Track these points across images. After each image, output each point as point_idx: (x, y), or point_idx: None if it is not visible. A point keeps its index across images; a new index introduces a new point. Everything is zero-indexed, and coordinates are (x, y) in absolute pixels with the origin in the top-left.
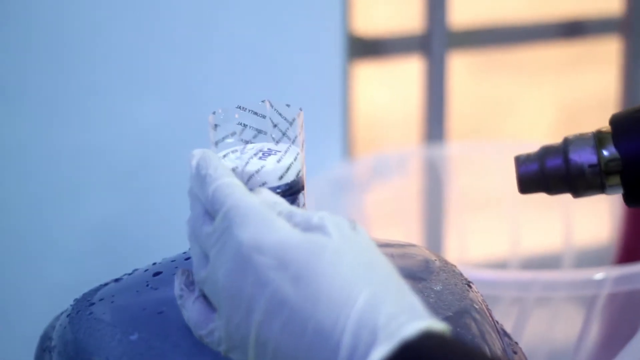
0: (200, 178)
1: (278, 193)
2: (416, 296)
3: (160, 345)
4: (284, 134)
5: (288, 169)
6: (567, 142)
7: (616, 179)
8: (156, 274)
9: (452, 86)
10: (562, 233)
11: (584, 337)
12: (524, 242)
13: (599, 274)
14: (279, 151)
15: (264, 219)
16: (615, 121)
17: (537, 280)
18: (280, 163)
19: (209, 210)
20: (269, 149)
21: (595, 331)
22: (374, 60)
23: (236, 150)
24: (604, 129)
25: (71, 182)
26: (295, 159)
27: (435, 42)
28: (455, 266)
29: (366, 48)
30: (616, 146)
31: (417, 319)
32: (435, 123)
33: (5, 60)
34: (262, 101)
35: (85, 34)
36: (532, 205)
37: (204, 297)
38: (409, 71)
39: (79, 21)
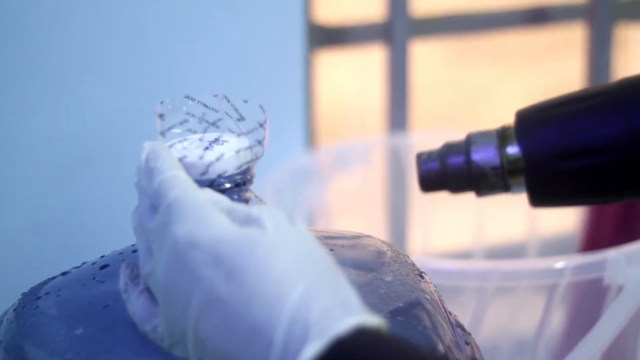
0: (148, 171)
1: (235, 181)
2: (353, 291)
3: (106, 339)
4: (237, 126)
5: (244, 157)
6: (469, 139)
7: (520, 179)
8: (103, 267)
9: (422, 74)
10: (527, 222)
11: (543, 327)
12: (489, 232)
13: (559, 263)
14: (227, 141)
15: (202, 214)
16: (519, 117)
17: (496, 269)
18: (238, 152)
19: (154, 203)
20: (216, 138)
21: (559, 321)
22: (337, 48)
23: (184, 140)
24: (508, 125)
25: (20, 172)
26: (248, 148)
27: (397, 30)
28: (407, 257)
29: (329, 36)
30: (519, 144)
31: (350, 314)
32: (398, 112)
33: None
34: (215, 95)
35: (38, 18)
36: (497, 196)
37: (149, 291)
38: (372, 60)
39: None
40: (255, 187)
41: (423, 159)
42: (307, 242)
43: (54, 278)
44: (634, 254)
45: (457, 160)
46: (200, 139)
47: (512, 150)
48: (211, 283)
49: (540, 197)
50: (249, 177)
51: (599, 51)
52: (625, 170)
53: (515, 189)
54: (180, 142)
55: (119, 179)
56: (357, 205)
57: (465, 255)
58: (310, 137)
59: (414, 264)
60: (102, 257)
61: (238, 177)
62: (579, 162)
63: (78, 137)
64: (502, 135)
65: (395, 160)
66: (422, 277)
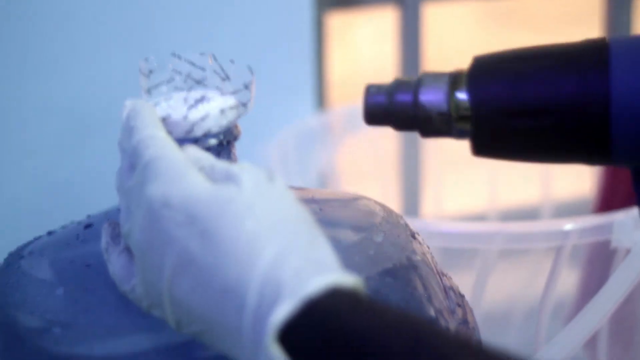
0: (128, 129)
1: (220, 140)
2: (332, 250)
3: (86, 299)
4: (223, 85)
5: (230, 116)
6: (420, 79)
7: (465, 127)
8: (87, 226)
9: (451, 38)
10: (541, 186)
11: (549, 289)
12: (503, 195)
13: (565, 225)
14: (212, 100)
15: (177, 173)
16: (474, 64)
17: (500, 231)
18: (223, 111)
19: (132, 162)
20: (202, 97)
21: (573, 284)
22: (350, 10)
23: (169, 98)
24: (462, 70)
25: (28, 140)
26: (234, 107)
27: None
28: (401, 217)
29: None
30: (468, 93)
31: (323, 273)
32: (410, 73)
33: None
34: (202, 54)
35: None
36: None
37: (129, 251)
38: (386, 23)
39: None
40: (260, 149)
41: (371, 92)
42: (285, 201)
43: (39, 238)
44: None
45: (404, 98)
46: (186, 98)
47: (461, 97)
48: (185, 244)
49: (484, 148)
50: (234, 135)
51: (618, 15)
52: (572, 134)
53: (459, 136)
54: (165, 100)
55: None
56: (369, 168)
57: (479, 218)
58: (321, 101)
59: (406, 225)
60: (89, 216)
61: (222, 136)
62: (527, 122)
63: (81, 106)
64: (453, 80)
65: None
66: (414, 238)
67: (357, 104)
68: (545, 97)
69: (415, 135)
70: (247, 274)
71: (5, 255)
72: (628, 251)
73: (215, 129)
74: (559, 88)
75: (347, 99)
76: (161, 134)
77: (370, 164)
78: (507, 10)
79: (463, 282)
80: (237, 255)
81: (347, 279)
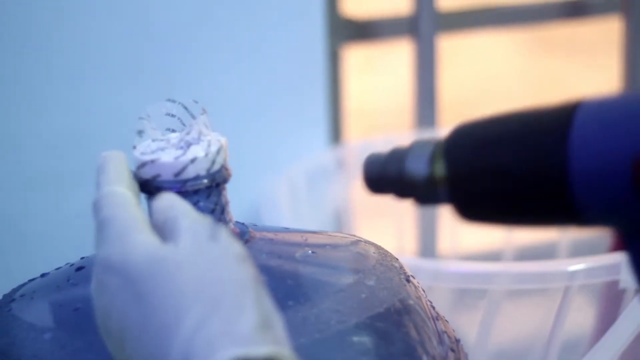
0: (97, 183)
1: (208, 182)
2: (263, 316)
3: (73, 343)
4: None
5: (218, 157)
6: (411, 147)
7: (445, 193)
8: (79, 268)
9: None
10: None
11: (555, 329)
12: (519, 232)
13: (571, 266)
14: (203, 141)
15: (121, 234)
16: (453, 130)
17: (503, 272)
18: (212, 154)
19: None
20: (193, 138)
21: (589, 323)
22: (364, 43)
23: (160, 140)
24: (441, 143)
25: (55, 170)
26: (223, 149)
27: (423, 24)
28: (396, 259)
29: (356, 31)
30: (448, 160)
31: (235, 345)
32: (426, 108)
33: None
34: (196, 101)
35: (49, 16)
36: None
37: None
38: (400, 55)
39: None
40: (268, 185)
41: (368, 161)
42: (222, 261)
43: (33, 280)
44: None
45: (393, 167)
46: (176, 140)
47: (441, 162)
48: (123, 308)
49: (465, 212)
50: (223, 178)
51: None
52: (536, 199)
53: (445, 202)
54: (155, 141)
55: None
56: (384, 205)
57: (495, 256)
58: (336, 135)
59: (401, 267)
60: (82, 258)
61: (211, 178)
62: (492, 185)
63: (88, 137)
64: (437, 146)
65: None
66: (408, 281)
67: (373, 138)
68: (507, 161)
69: None
70: (169, 342)
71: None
72: (637, 291)
73: (203, 171)
74: (521, 153)
75: (364, 132)
76: (120, 190)
77: (385, 200)
78: (533, 38)
79: (475, 321)
80: (163, 319)
81: (261, 351)
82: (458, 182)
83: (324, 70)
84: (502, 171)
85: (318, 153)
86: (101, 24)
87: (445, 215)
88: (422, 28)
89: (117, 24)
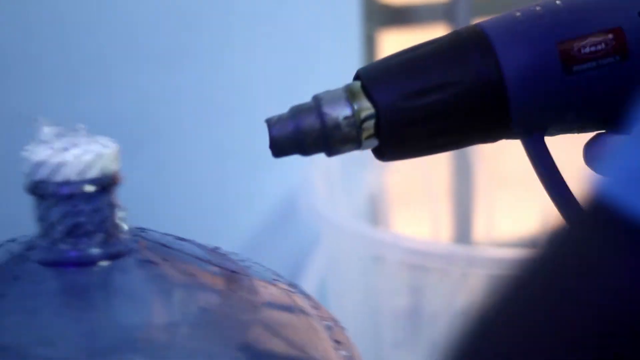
0: None
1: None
2: None
3: None
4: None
5: (94, 164)
6: (318, 98)
7: (370, 130)
8: None
9: None
10: None
11: None
12: (555, 219)
13: None
14: (79, 147)
15: None
16: (363, 73)
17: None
18: (85, 159)
19: None
20: (71, 144)
21: None
22: (400, 28)
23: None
24: (351, 84)
25: None
26: (100, 156)
27: (459, 10)
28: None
29: (392, 16)
30: (368, 96)
31: None
32: None
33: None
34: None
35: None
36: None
37: None
38: None
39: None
40: (303, 172)
41: (274, 123)
42: None
43: None
44: None
45: (309, 118)
46: (55, 145)
47: (362, 102)
48: None
49: (391, 144)
50: (102, 185)
51: None
52: (471, 105)
53: (365, 143)
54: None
55: (170, 163)
56: (419, 191)
57: (530, 243)
58: None
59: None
60: None
61: (86, 184)
62: (426, 99)
63: (126, 122)
64: (349, 90)
65: None
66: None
67: None
68: (439, 76)
69: (467, 158)
70: None
71: None
72: None
73: (74, 176)
74: (452, 67)
75: None
76: None
77: (421, 187)
78: None
79: None
80: None
81: None
82: (387, 113)
83: (359, 55)
84: (434, 84)
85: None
86: (142, 6)
87: (481, 201)
88: (458, 14)
89: (160, 5)
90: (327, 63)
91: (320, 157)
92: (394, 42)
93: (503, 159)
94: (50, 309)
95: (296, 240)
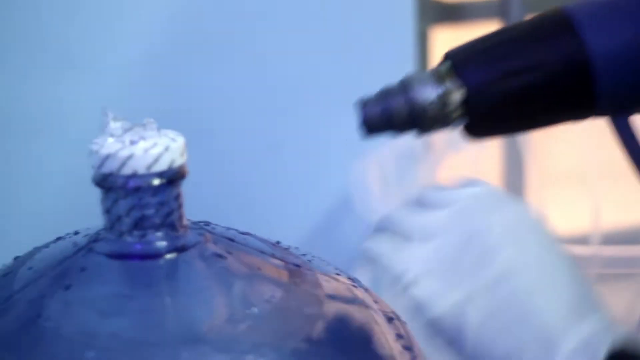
0: None
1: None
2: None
3: None
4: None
5: (163, 157)
6: (406, 80)
7: (459, 110)
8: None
9: None
10: None
11: None
12: (608, 216)
13: None
14: (146, 140)
15: None
16: (453, 55)
17: (598, 255)
18: (151, 152)
19: None
20: (139, 137)
21: None
22: (453, 24)
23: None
24: (439, 65)
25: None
26: (166, 149)
27: (513, 7)
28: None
29: (445, 12)
30: (459, 76)
31: None
32: None
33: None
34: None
35: None
36: (616, 178)
37: None
38: None
39: None
40: (359, 167)
41: (364, 104)
42: None
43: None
44: None
45: (397, 99)
46: (123, 138)
47: (451, 83)
48: None
49: (480, 123)
50: (169, 178)
51: None
52: (557, 87)
53: (455, 122)
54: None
55: (225, 157)
56: None
57: (582, 240)
58: None
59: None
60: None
61: (155, 177)
62: (513, 81)
63: (184, 116)
64: (438, 71)
65: (510, 141)
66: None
67: None
68: (527, 58)
69: (518, 154)
70: None
71: None
72: None
73: (142, 169)
74: (539, 49)
75: None
76: None
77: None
78: None
79: None
80: None
81: None
82: (478, 93)
83: (413, 51)
84: (522, 66)
85: (406, 136)
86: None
87: (532, 197)
88: (511, 11)
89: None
90: (381, 59)
91: (374, 152)
92: (447, 39)
93: (555, 156)
94: (116, 301)
95: (350, 235)
